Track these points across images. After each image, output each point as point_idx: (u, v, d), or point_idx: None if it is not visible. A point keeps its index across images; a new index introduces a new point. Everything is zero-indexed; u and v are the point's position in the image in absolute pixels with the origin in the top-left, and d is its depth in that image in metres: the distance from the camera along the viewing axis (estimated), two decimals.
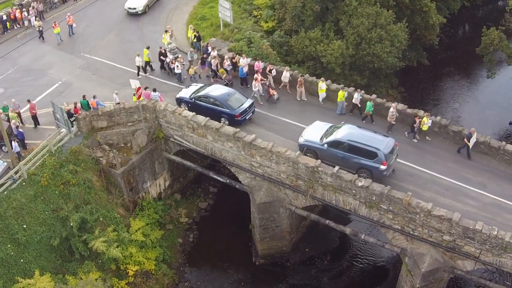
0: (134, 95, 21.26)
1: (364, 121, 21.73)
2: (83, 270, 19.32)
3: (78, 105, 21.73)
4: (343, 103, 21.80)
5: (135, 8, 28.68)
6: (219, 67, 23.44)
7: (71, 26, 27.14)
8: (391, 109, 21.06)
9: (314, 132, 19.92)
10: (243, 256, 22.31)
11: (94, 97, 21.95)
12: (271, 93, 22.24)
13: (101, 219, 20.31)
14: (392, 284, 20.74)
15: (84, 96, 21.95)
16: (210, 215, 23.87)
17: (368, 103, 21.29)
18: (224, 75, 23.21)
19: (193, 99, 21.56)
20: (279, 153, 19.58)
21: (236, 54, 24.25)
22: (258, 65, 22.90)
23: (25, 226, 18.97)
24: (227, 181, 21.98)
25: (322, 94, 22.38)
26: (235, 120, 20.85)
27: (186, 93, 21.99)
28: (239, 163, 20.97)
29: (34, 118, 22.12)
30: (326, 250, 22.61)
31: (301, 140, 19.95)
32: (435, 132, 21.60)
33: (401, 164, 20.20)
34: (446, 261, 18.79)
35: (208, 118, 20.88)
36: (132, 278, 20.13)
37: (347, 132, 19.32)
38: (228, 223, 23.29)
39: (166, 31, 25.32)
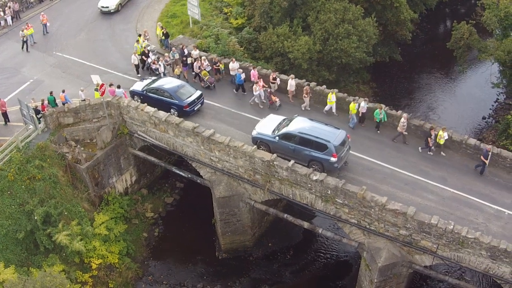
0: (96, 90, 21.63)
1: (378, 130, 21.04)
2: (48, 263, 19.69)
3: (46, 102, 22.19)
4: (354, 115, 21.04)
5: (107, 7, 29.09)
6: (201, 68, 23.25)
7: (45, 25, 27.55)
8: (402, 119, 20.44)
9: (267, 125, 20.06)
10: (207, 250, 22.54)
11: (63, 91, 22.35)
12: (273, 99, 22.03)
13: (65, 213, 20.72)
14: (354, 279, 20.76)
15: (51, 93, 22.36)
16: (176, 210, 24.15)
17: (377, 111, 20.78)
18: (207, 77, 23.09)
19: (145, 92, 22.28)
20: (236, 147, 19.76)
21: (223, 57, 23.79)
22: (255, 74, 22.51)
23: None
24: (189, 175, 22.28)
25: (331, 105, 21.73)
26: (184, 111, 21.28)
27: (139, 86, 22.57)
28: (200, 158, 21.21)
29: (4, 115, 22.58)
30: (289, 245, 22.72)
31: (254, 133, 20.11)
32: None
33: (361, 158, 20.24)
34: (403, 255, 18.76)
35: (168, 114, 21.22)
36: (96, 271, 20.47)
37: (298, 124, 19.44)
38: (194, 217, 23.52)
39: (140, 35, 25.18)
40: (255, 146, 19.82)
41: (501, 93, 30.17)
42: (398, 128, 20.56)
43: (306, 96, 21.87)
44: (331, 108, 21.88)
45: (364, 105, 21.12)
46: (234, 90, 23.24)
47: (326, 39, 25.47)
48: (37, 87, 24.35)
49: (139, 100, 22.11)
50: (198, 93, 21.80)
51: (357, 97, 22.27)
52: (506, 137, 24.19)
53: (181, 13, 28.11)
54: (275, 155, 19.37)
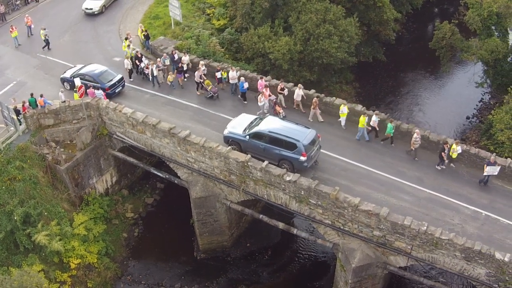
0: (75, 92, 21.84)
1: (382, 142, 20.66)
2: (27, 263, 19.90)
3: (26, 103, 22.43)
4: (364, 129, 20.57)
5: (91, 9, 29.37)
6: (204, 78, 22.90)
7: (29, 27, 27.76)
8: (415, 135, 19.88)
9: (239, 124, 20.22)
10: (186, 250, 22.69)
11: (41, 96, 22.60)
12: (277, 110, 21.51)
13: (45, 213, 20.89)
14: (331, 279, 20.76)
15: (31, 94, 22.61)
16: (156, 211, 24.32)
17: (389, 125, 20.28)
18: (210, 87, 22.80)
19: (72, 78, 23.62)
20: (211, 148, 19.87)
21: (222, 66, 23.32)
22: (262, 83, 22.18)
23: None
24: (166, 176, 22.46)
25: (343, 118, 21.16)
26: (106, 93, 23.05)
27: (68, 73, 24.31)
28: (176, 159, 21.36)
29: None
30: (268, 245, 22.78)
31: (225, 132, 20.25)
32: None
33: (336, 159, 20.24)
34: (378, 256, 18.73)
35: (146, 115, 21.43)
36: (75, 271, 20.66)
37: (268, 124, 19.58)
38: (173, 218, 23.67)
39: (126, 38, 25.35)
40: (230, 147, 19.92)
41: (486, 92, 30.01)
42: (411, 144, 19.89)
43: (315, 108, 21.33)
44: (344, 121, 21.12)
45: (375, 118, 20.62)
46: (239, 96, 22.79)
47: (307, 40, 25.48)
48: (20, 88, 24.61)
49: (69, 85, 23.95)
50: (119, 76, 23.84)
51: (364, 108, 21.48)
52: (487, 137, 24.04)
53: (164, 14, 28.26)
54: (249, 156, 19.45)
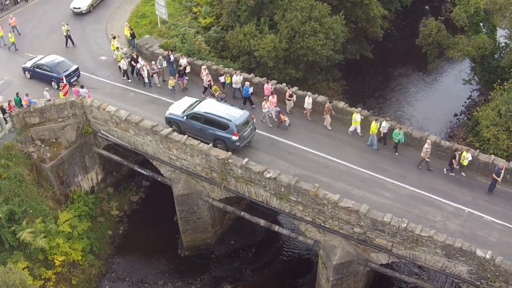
0: (60, 90, 21.99)
1: (395, 149, 20.23)
2: (12, 260, 20.09)
3: (12, 102, 22.62)
4: (374, 135, 20.24)
5: (79, 8, 29.53)
6: (212, 83, 22.73)
7: (14, 27, 27.73)
8: (426, 145, 19.31)
9: (179, 106, 21.05)
10: (170, 248, 22.78)
11: (26, 95, 22.77)
12: (282, 119, 21.11)
13: (30, 211, 21.07)
14: (314, 276, 20.74)
15: (17, 94, 22.79)
16: (141, 208, 24.44)
17: (395, 131, 19.97)
18: (217, 93, 22.62)
19: (32, 67, 25.17)
20: (192, 145, 19.98)
21: (225, 71, 23.07)
22: (268, 87, 21.90)
23: None
24: (150, 174, 22.58)
25: (356, 125, 20.78)
26: (61, 82, 24.04)
27: (29, 63, 25.55)
28: (159, 156, 21.46)
29: None
30: (252, 242, 22.83)
31: (166, 113, 21.03)
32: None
33: (316, 155, 20.21)
34: (359, 254, 18.72)
35: (129, 113, 21.54)
36: (59, 268, 20.81)
37: (205, 105, 20.38)
38: (158, 216, 23.76)
39: (114, 37, 25.31)
40: (211, 144, 20.01)
41: (475, 89, 29.86)
42: (422, 154, 19.53)
43: (327, 114, 21.03)
44: (355, 128, 20.99)
45: (385, 125, 20.34)
46: (242, 103, 22.42)
47: (292, 37, 25.45)
48: (7, 87, 24.83)
49: (29, 75, 25.26)
50: (75, 67, 25.14)
51: (379, 117, 21.28)
52: (474, 134, 23.90)
53: (151, 13, 28.37)
54: (229, 153, 19.55)
